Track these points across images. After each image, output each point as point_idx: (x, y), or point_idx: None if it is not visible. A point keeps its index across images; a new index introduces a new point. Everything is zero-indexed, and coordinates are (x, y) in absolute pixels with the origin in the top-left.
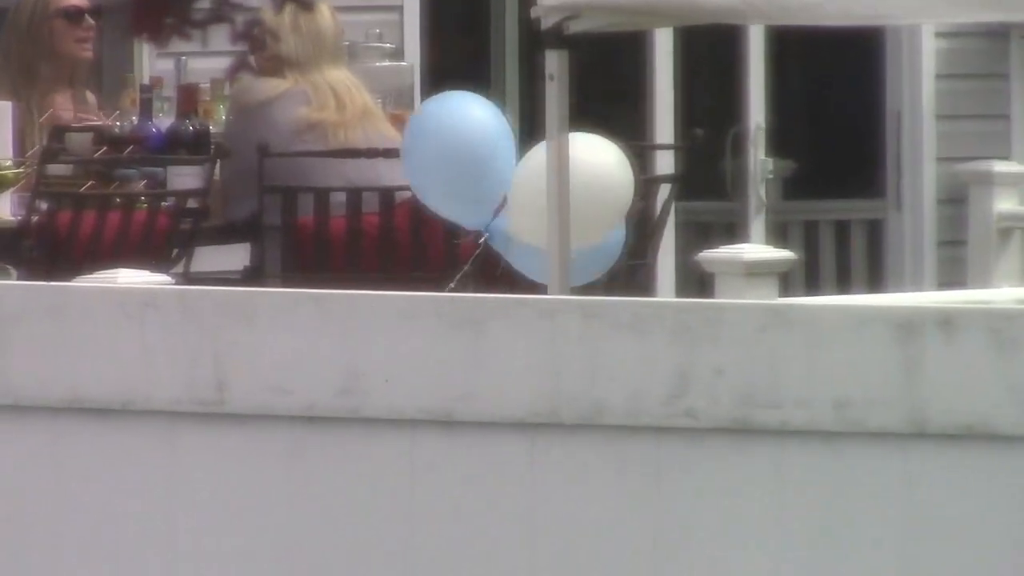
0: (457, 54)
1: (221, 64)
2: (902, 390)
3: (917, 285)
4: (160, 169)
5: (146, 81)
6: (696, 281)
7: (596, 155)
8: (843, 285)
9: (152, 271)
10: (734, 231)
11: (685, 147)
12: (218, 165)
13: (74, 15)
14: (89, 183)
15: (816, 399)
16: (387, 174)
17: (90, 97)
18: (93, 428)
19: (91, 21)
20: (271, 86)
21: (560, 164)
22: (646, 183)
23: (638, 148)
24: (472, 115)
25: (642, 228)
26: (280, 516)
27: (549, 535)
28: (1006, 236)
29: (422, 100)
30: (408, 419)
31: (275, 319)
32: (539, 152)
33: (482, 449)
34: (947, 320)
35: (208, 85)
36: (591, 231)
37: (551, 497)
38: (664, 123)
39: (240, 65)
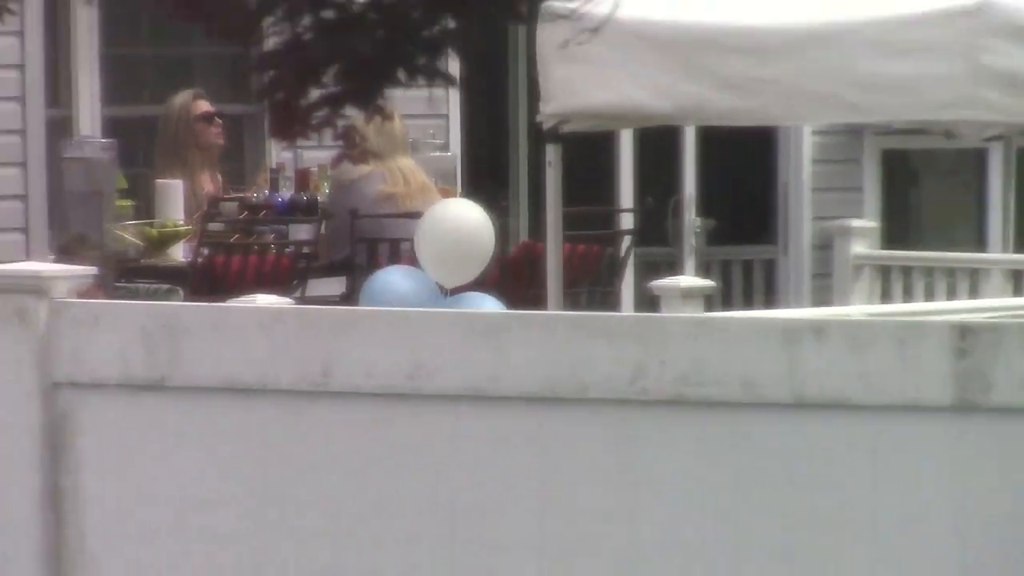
0: (486, 147)
1: (325, 155)
2: (787, 374)
3: (798, 305)
4: (284, 227)
5: (274, 166)
6: (648, 302)
7: (467, 214)
8: (747, 305)
9: (279, 295)
10: (674, 268)
11: (641, 210)
12: (323, 224)
13: (209, 118)
14: (236, 236)
15: (729, 380)
16: None
17: (219, 178)
18: (241, 403)
19: (219, 120)
20: (359, 170)
21: (556, 226)
22: (615, 235)
23: (609, 212)
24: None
25: (612, 266)
26: (368, 468)
27: (552, 479)
28: (859, 271)
29: (461, 180)
30: (452, 395)
31: (362, 327)
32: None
33: (506, 418)
34: (819, 328)
35: (316, 169)
36: (467, 270)
37: (552, 452)
38: (627, 194)
39: (341, 156)
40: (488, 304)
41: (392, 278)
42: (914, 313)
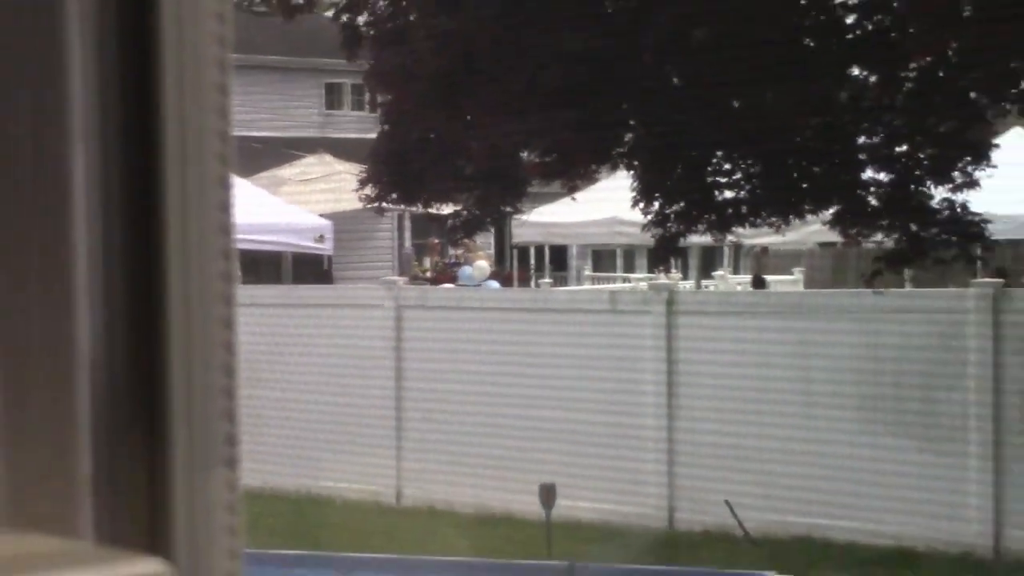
0: (497, 251)
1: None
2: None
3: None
4: (456, 269)
5: (453, 252)
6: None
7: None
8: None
9: (451, 285)
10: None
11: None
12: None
13: (440, 244)
14: (443, 271)
15: (555, 304)
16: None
17: (439, 260)
18: (438, 311)
19: (439, 243)
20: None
21: (515, 270)
22: (531, 272)
23: (528, 266)
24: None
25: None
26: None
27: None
28: (587, 279)
29: (494, 257)
30: (490, 308)
31: (468, 294)
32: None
33: (508, 311)
34: (581, 292)
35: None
36: (483, 277)
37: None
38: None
39: (463, 255)
40: (495, 284)
41: (464, 271)
42: (601, 289)
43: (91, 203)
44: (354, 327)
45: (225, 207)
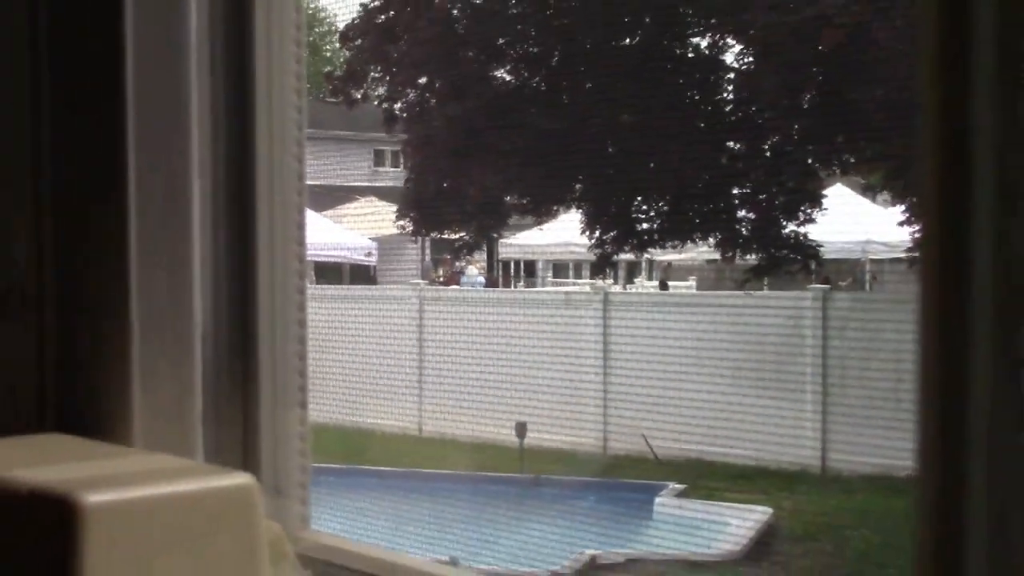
0: (487, 269)
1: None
2: (516, 297)
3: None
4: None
5: (460, 264)
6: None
7: (474, 270)
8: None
9: (457, 287)
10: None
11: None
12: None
13: (448, 260)
14: (452, 276)
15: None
16: None
17: (449, 268)
18: (460, 302)
19: (448, 258)
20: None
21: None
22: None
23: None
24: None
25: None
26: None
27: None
28: (548, 284)
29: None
30: (479, 299)
31: (471, 293)
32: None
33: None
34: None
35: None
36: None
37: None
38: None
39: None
40: (480, 280)
41: (463, 278)
42: (558, 291)
43: (204, 220)
44: (391, 314)
45: (300, 226)
